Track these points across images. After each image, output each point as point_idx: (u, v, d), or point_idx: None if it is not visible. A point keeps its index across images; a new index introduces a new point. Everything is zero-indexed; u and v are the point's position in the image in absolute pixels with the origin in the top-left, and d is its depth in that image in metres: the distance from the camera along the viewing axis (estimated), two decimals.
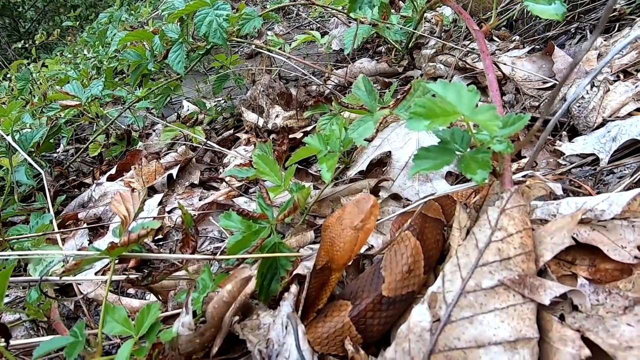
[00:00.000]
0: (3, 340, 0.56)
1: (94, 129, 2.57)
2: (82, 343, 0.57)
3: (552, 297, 0.51)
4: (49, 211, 1.55)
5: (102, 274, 1.16)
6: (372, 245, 0.87)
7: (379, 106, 1.00)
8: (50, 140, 2.24)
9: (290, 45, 2.55)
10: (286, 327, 0.64)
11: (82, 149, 2.19)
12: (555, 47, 1.51)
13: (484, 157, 0.60)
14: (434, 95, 0.63)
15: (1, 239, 0.91)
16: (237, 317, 0.68)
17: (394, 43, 2.02)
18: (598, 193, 0.85)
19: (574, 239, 0.62)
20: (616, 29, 1.72)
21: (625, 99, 1.07)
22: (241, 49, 3.39)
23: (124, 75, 2.91)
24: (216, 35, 1.72)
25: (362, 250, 0.84)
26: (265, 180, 0.96)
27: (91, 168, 2.39)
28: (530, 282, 0.51)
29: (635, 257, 0.60)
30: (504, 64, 1.49)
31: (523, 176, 0.76)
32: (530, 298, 0.50)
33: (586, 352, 0.45)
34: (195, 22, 1.74)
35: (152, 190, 1.69)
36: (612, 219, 0.63)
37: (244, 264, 0.66)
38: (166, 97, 2.24)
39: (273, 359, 0.60)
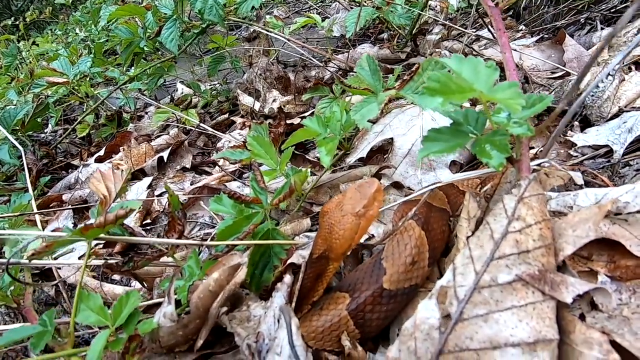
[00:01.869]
0: None
1: (84, 110, 2.48)
2: (50, 333, 0.52)
3: (574, 295, 0.45)
4: (28, 191, 1.48)
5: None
6: (372, 235, 0.82)
7: (383, 88, 0.93)
8: (38, 120, 2.14)
9: (289, 28, 2.46)
10: (278, 320, 0.59)
11: (70, 129, 2.10)
12: (567, 35, 1.45)
13: (501, 140, 0.55)
14: (449, 71, 0.57)
15: None
16: (225, 308, 0.62)
17: (397, 29, 1.95)
18: (615, 185, 0.80)
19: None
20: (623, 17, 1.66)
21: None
22: (239, 32, 3.29)
23: (117, 55, 2.81)
24: (212, 12, 1.64)
25: (362, 239, 0.78)
26: (261, 164, 0.89)
27: (80, 149, 2.31)
28: (551, 278, 0.46)
29: None
30: (513, 49, 1.43)
31: (538, 164, 0.71)
32: (550, 295, 0.45)
33: (615, 356, 0.40)
34: None
35: (142, 173, 1.62)
36: (637, 211, 0.57)
37: (234, 250, 0.61)
38: (158, 77, 2.15)
39: (263, 355, 0.54)
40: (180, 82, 2.64)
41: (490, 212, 0.54)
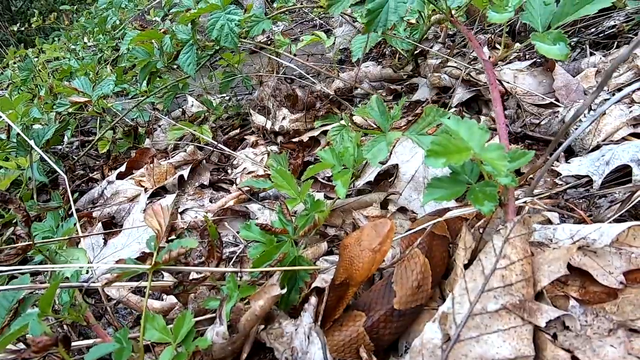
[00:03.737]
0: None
1: (98, 122, 2.60)
2: (129, 350, 0.64)
3: (547, 320, 0.58)
4: (65, 211, 1.60)
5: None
6: (383, 261, 0.94)
7: (390, 124, 1.06)
8: (58, 136, 2.26)
9: (296, 45, 2.58)
10: (308, 337, 0.71)
11: (90, 145, 2.22)
12: (557, 64, 1.58)
13: (491, 191, 0.67)
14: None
15: (31, 243, 0.97)
16: (262, 326, 0.75)
17: (400, 50, 2.07)
18: (590, 216, 0.93)
19: (568, 263, 0.69)
20: (615, 46, 1.78)
21: (619, 123, 1.15)
22: (245, 45, 3.40)
23: (129, 69, 2.92)
24: (227, 40, 1.76)
25: None
26: (284, 194, 1.02)
27: (97, 162, 2.43)
28: (529, 307, 0.59)
29: (621, 283, 0.68)
30: (506, 81, 1.55)
31: (524, 201, 0.84)
32: (528, 320, 0.58)
33: None
34: (207, 26, 1.77)
35: (163, 190, 1.75)
36: (603, 247, 0.70)
37: (271, 279, 0.73)
38: (174, 95, 2.27)
39: None
40: (190, 94, 2.75)
41: (483, 250, 0.67)
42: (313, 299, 0.78)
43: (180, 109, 2.71)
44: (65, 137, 2.75)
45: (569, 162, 1.14)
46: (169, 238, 1.51)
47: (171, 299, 1.11)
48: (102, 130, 2.25)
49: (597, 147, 1.13)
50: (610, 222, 0.75)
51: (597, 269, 0.70)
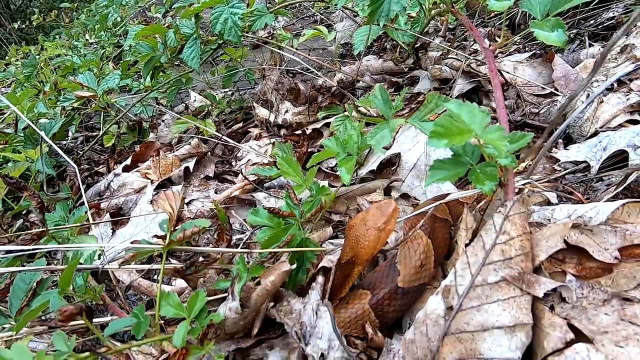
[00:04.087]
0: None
1: (102, 117, 2.62)
2: (147, 323, 0.67)
3: (544, 291, 0.61)
4: (73, 202, 1.63)
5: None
6: (386, 242, 0.97)
7: (393, 113, 1.09)
8: (64, 130, 2.30)
9: (297, 40, 2.60)
10: (316, 313, 0.74)
11: (95, 140, 2.25)
12: (556, 55, 1.60)
13: (491, 171, 0.70)
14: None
15: (45, 229, 1.00)
16: (271, 303, 0.78)
17: (401, 43, 2.09)
18: (588, 199, 0.96)
19: (565, 241, 0.72)
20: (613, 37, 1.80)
21: (616, 110, 1.17)
22: (247, 39, 3.42)
23: (132, 65, 2.95)
24: (231, 33, 1.78)
25: None
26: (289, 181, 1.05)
27: (101, 157, 2.46)
28: (528, 278, 0.62)
29: (616, 258, 0.71)
30: (506, 71, 1.58)
31: (524, 184, 0.87)
32: (527, 291, 0.61)
33: (571, 335, 0.56)
34: (211, 19, 1.79)
35: (169, 182, 1.78)
36: (599, 224, 0.73)
37: (282, 258, 0.76)
38: (178, 89, 2.29)
39: (307, 338, 0.70)
40: (192, 89, 2.78)
41: (483, 227, 0.70)
42: (320, 278, 0.81)
43: (184, 104, 2.74)
44: (70, 133, 2.78)
45: (567, 149, 1.17)
46: (176, 228, 1.54)
47: (181, 284, 1.14)
48: (107, 125, 2.28)
49: (595, 133, 1.16)
50: (605, 202, 0.78)
51: (593, 246, 0.73)
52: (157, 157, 1.79)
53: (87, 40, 4.48)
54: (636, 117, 1.17)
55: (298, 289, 0.87)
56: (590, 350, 0.53)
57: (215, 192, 1.65)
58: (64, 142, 2.78)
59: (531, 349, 0.60)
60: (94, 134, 2.78)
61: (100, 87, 1.99)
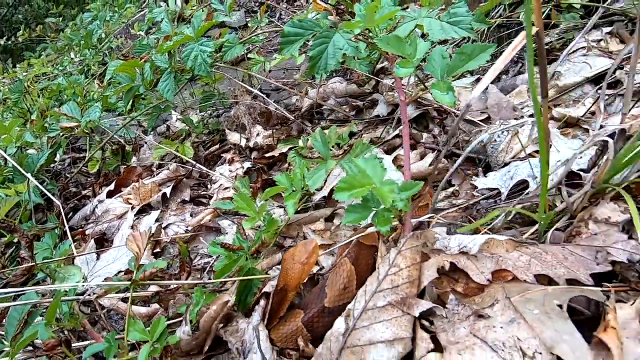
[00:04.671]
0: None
1: (87, 140, 2.77)
2: (116, 347, 0.85)
3: (420, 311, 0.80)
4: (61, 230, 1.80)
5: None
6: (323, 266, 1.16)
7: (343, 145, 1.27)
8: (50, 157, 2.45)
9: (270, 62, 2.77)
10: (256, 332, 0.93)
11: (81, 165, 2.41)
12: (490, 84, 1.79)
13: (387, 215, 0.89)
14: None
15: (34, 264, 1.17)
16: (221, 324, 0.96)
17: (360, 71, 2.27)
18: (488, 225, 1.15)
19: (455, 265, 0.91)
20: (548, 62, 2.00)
21: (526, 141, 1.37)
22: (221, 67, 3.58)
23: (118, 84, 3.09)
24: (201, 69, 1.95)
25: (314, 271, 1.13)
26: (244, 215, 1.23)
27: (88, 179, 2.61)
28: (409, 302, 0.81)
29: (487, 280, 0.90)
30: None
31: (429, 217, 1.05)
32: (407, 312, 0.80)
33: (431, 346, 0.75)
34: (182, 57, 1.96)
35: (148, 207, 1.95)
36: (477, 252, 0.92)
37: (226, 287, 0.94)
38: (157, 115, 2.46)
39: (246, 354, 0.88)
40: (174, 110, 2.94)
41: (381, 261, 0.88)
42: (262, 302, 1.00)
43: (165, 125, 2.90)
44: (58, 155, 2.93)
45: (486, 176, 1.36)
46: (154, 251, 1.71)
47: (155, 305, 1.32)
48: (92, 150, 2.44)
49: (507, 163, 1.35)
50: (484, 233, 0.97)
51: (474, 270, 0.92)
52: (137, 184, 1.96)
53: (72, 58, 4.61)
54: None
55: (247, 311, 1.05)
56: (438, 357, 0.71)
57: (191, 215, 1.82)
58: (52, 165, 2.94)
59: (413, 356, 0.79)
60: (81, 155, 2.93)
61: (84, 118, 2.15)
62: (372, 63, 2.18)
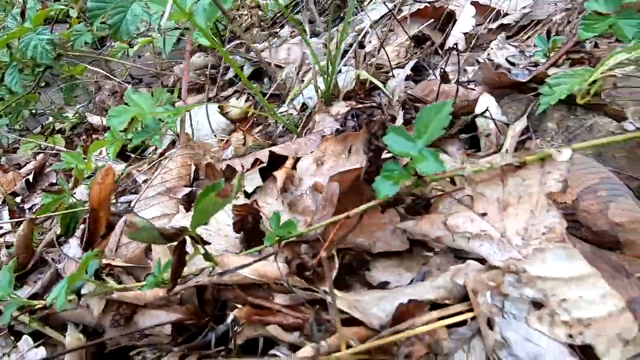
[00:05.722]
0: None
1: None
2: None
3: (183, 194, 1.08)
4: None
5: None
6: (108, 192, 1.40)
7: None
8: None
9: (133, 48, 2.88)
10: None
11: None
12: None
13: (160, 134, 1.15)
14: None
15: None
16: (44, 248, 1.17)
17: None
18: None
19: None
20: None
21: None
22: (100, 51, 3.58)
23: None
24: (43, 57, 2.04)
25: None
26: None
27: None
28: (175, 189, 1.08)
29: None
30: None
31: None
32: (171, 196, 1.07)
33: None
34: (21, 47, 2.04)
35: (14, 195, 2.03)
36: None
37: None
38: (19, 112, 2.48)
39: (62, 262, 1.10)
40: (50, 109, 2.94)
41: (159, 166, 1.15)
42: (82, 226, 1.22)
43: (40, 125, 2.90)
44: None
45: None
46: None
47: None
48: None
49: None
50: None
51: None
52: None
53: None
54: None
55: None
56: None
57: None
58: None
59: None
60: None
61: None
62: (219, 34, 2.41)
